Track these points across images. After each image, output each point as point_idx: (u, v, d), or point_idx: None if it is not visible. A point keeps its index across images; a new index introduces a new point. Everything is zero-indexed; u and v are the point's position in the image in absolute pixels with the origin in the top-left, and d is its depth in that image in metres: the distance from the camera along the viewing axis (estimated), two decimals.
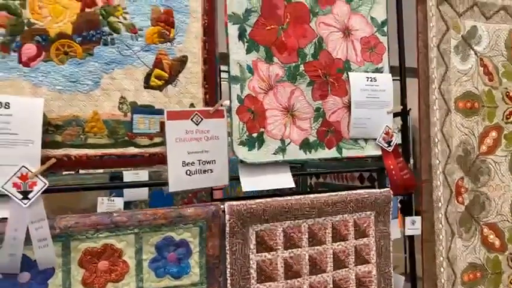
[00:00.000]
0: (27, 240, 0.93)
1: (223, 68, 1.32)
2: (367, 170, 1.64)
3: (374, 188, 1.46)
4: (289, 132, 1.27)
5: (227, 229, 1.14)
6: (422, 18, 1.55)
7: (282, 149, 1.25)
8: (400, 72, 1.51)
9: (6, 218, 0.92)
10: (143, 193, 2.17)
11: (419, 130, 1.55)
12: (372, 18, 1.42)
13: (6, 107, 0.91)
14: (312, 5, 1.31)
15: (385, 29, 1.44)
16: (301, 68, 1.29)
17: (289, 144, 1.26)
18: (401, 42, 1.50)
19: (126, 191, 2.21)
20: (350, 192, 1.34)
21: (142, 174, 2.25)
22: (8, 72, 0.95)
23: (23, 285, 0.94)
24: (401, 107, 1.47)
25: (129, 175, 2.13)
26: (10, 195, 0.92)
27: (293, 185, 1.25)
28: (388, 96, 1.41)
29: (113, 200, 2.08)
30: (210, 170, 1.15)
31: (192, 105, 1.15)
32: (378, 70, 1.42)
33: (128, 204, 2.27)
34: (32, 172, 0.93)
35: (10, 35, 0.95)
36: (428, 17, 1.50)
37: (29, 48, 0.97)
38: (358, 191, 1.37)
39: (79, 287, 0.98)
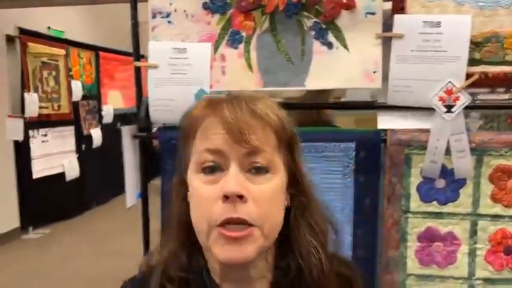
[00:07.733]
0: (447, 150, 1.01)
1: None
2: None
3: None
4: None
5: None
6: None
7: None
8: None
9: (429, 129, 1.02)
10: None
11: None
12: None
13: (438, 25, 0.99)
14: None
15: None
16: None
17: None
18: None
19: None
20: None
21: None
22: None
23: (439, 190, 1.04)
24: None
25: None
26: (436, 108, 1.01)
27: None
28: None
29: None
30: None
31: None
32: None
33: None
34: (456, 87, 0.99)
35: None
36: None
37: None
38: None
39: (487, 200, 1.02)
